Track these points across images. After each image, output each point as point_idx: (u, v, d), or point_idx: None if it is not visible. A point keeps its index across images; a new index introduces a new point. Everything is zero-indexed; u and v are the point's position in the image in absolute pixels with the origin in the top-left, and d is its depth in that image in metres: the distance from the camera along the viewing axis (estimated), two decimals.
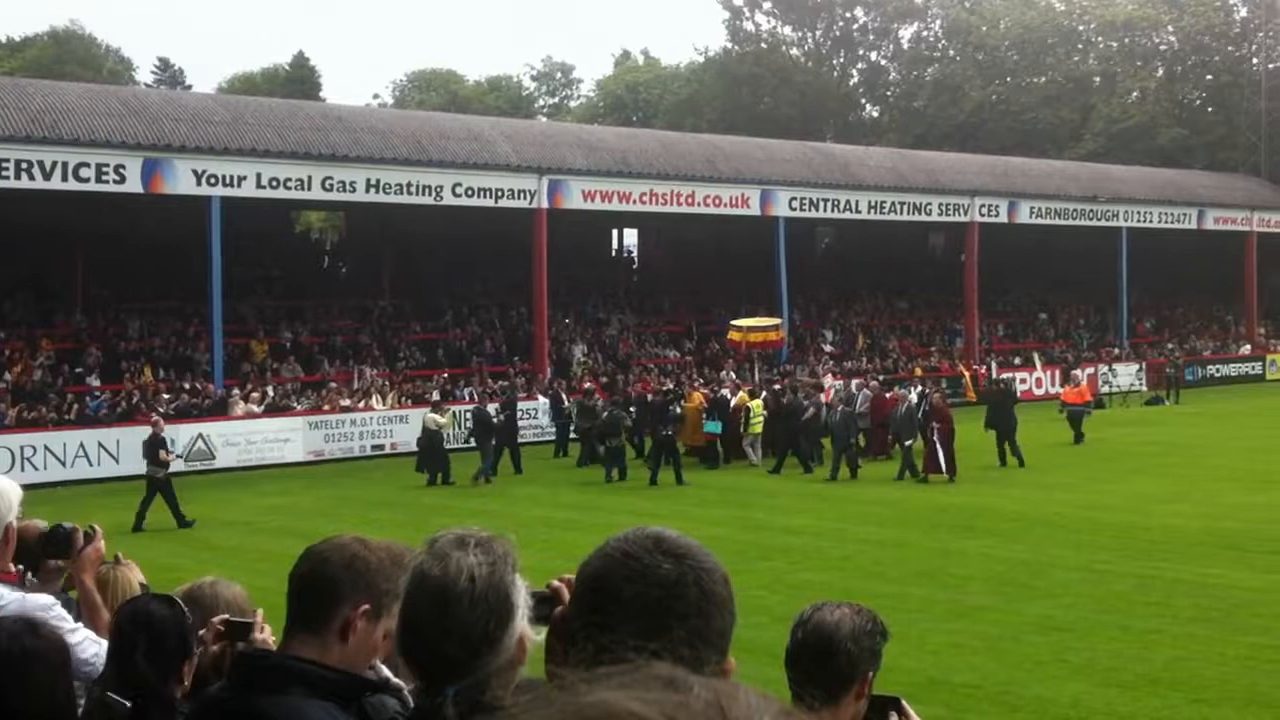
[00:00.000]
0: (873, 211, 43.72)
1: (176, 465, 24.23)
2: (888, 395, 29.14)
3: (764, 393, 30.13)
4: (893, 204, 44.07)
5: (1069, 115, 67.47)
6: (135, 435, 28.55)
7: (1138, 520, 19.03)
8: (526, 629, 2.30)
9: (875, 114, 78.01)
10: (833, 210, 43.00)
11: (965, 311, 46.78)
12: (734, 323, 36.51)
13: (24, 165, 28.74)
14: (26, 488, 4.56)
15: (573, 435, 31.13)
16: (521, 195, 35.94)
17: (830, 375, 37.92)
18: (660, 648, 1.70)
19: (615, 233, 53.93)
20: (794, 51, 76.92)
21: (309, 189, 32.91)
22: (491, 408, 28.24)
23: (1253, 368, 51.18)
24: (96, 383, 32.18)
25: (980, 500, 21.76)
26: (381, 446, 31.63)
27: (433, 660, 2.26)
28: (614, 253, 54.32)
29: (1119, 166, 55.80)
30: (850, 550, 17.64)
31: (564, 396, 32.55)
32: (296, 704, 2.64)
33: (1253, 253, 53.13)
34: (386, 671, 2.89)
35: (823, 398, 29.37)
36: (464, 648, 2.23)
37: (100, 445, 28.37)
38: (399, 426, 31.57)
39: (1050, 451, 28.46)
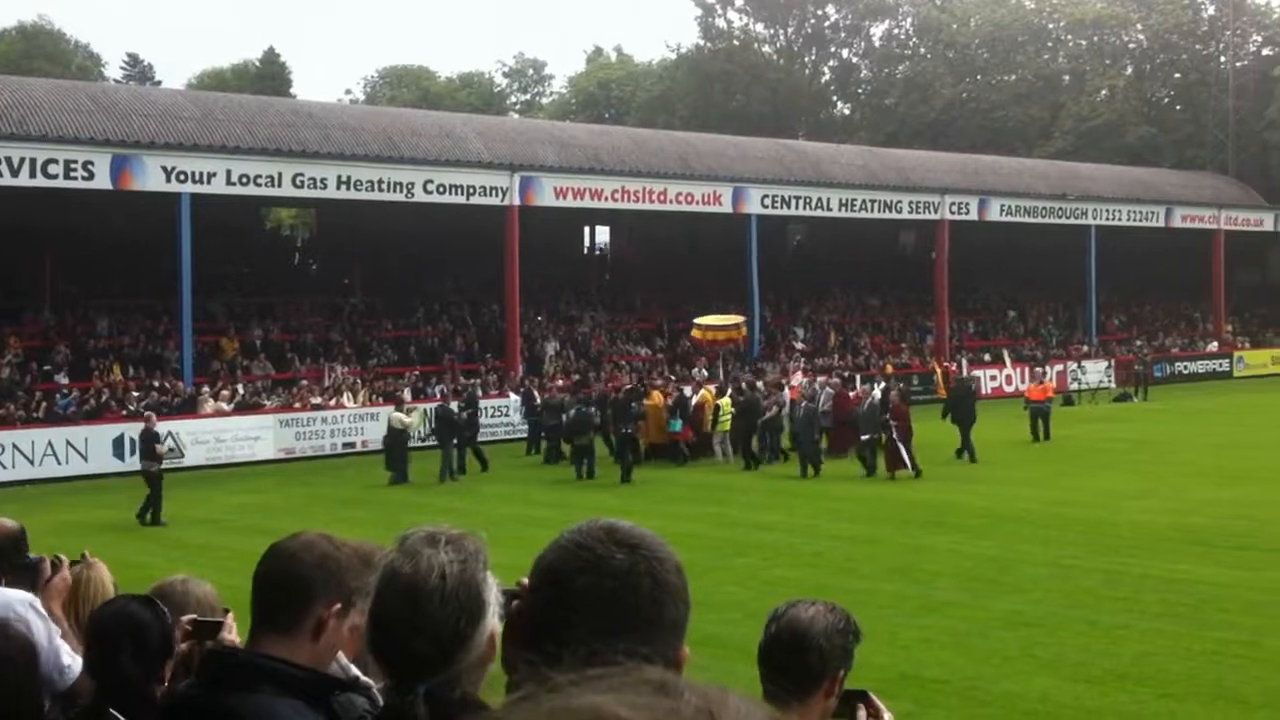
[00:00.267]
0: (844, 209, 43.85)
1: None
2: (851, 393, 29.25)
3: (729, 390, 30.15)
4: (864, 202, 44.21)
5: (1039, 113, 67.86)
6: (104, 433, 28.46)
7: (1106, 516, 19.14)
8: (497, 627, 2.28)
9: (847, 111, 78.27)
10: (804, 208, 43.09)
11: (936, 309, 47.02)
12: (696, 321, 36.54)
13: None
14: None
15: (544, 433, 31.08)
16: (493, 192, 35.86)
17: (800, 373, 37.93)
18: (615, 638, 1.70)
19: (587, 230, 53.87)
20: (766, 49, 77.07)
21: (279, 185, 32.73)
22: (454, 405, 28.19)
23: (1220, 365, 51.60)
24: (65, 380, 31.92)
25: (950, 497, 21.84)
26: (353, 444, 31.50)
27: (403, 658, 2.25)
28: (586, 250, 54.28)
29: (1088, 165, 56.16)
30: (822, 546, 17.70)
31: (535, 394, 32.50)
32: (265, 702, 2.63)
33: (1220, 250, 53.57)
34: (355, 670, 2.88)
35: (787, 395, 29.37)
36: (435, 645, 2.22)
37: (69, 443, 28.15)
38: (370, 424, 31.40)
39: (1018, 448, 28.64)
